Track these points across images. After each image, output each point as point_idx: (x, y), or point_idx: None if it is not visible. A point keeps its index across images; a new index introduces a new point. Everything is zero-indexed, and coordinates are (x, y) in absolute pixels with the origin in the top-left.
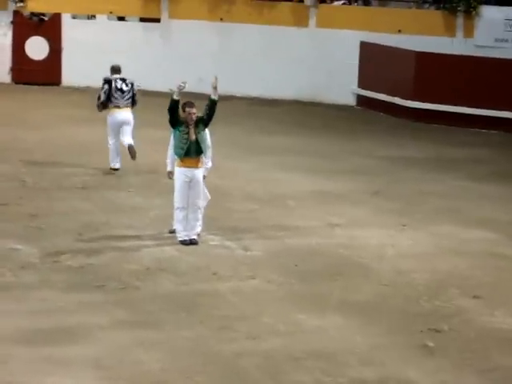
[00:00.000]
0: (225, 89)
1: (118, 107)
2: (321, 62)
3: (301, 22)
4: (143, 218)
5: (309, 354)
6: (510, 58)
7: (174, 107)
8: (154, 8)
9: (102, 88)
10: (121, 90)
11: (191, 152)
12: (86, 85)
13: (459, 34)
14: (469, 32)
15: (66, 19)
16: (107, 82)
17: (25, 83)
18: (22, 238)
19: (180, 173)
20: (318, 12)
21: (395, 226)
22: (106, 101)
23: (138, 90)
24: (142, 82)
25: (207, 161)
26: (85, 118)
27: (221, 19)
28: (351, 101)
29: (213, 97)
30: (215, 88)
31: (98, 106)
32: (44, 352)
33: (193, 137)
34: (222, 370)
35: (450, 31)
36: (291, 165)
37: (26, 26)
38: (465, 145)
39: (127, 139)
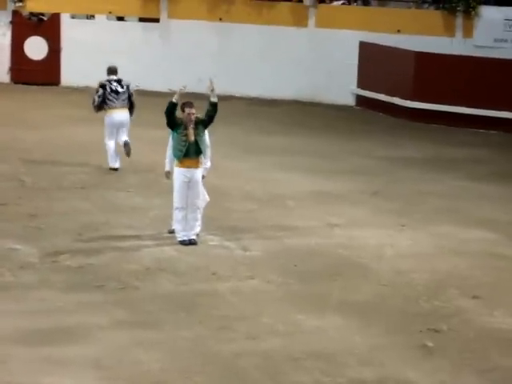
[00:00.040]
0: (224, 89)
1: (115, 108)
2: (320, 62)
3: (300, 22)
4: (142, 218)
5: (308, 355)
6: (510, 58)
7: (171, 110)
8: (153, 8)
9: (97, 92)
10: (116, 91)
11: (190, 153)
12: (85, 85)
13: (458, 34)
14: (468, 32)
15: (65, 19)
16: (102, 86)
17: (24, 83)
18: (21, 238)
19: (179, 173)
20: (317, 12)
21: (394, 226)
22: (101, 104)
23: (137, 89)
24: (141, 82)
25: (206, 161)
26: (84, 117)
27: (220, 19)
28: (350, 101)
29: (212, 99)
30: (212, 90)
31: (94, 108)
32: (43, 352)
33: (192, 138)
34: (222, 370)
35: (450, 31)
36: (290, 165)
37: (25, 25)
38: (464, 145)
39: (124, 137)
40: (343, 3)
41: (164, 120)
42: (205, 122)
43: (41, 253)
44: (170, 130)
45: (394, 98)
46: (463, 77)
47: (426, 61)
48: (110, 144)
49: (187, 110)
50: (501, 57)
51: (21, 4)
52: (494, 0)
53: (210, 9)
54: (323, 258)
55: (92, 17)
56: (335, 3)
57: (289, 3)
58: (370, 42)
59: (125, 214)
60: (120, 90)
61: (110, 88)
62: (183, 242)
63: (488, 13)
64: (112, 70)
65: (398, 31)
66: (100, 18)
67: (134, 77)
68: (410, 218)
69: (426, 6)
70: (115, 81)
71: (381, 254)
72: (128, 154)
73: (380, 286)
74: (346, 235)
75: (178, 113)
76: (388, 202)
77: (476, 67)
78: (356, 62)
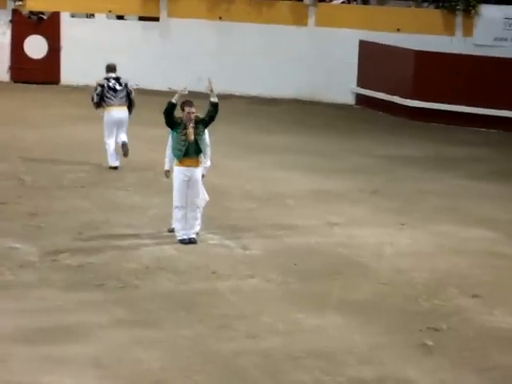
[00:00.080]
0: (224, 88)
1: (112, 106)
2: (320, 60)
3: (300, 20)
4: (142, 217)
5: (308, 353)
6: (509, 56)
7: (170, 110)
8: (153, 7)
9: (95, 89)
10: (114, 89)
11: (190, 152)
12: (85, 83)
13: (458, 32)
14: (468, 31)
15: (64, 18)
16: (100, 84)
17: (24, 82)
18: (21, 237)
19: (179, 172)
20: (317, 11)
21: (394, 225)
22: (99, 101)
23: (137, 88)
24: (141, 81)
25: (206, 160)
26: (83, 116)
27: (220, 18)
28: (350, 100)
29: (212, 99)
30: (212, 91)
31: (94, 104)
32: (43, 351)
33: (191, 137)
34: (221, 368)
35: (449, 30)
36: (290, 164)
37: (24, 24)
38: (464, 144)
39: (122, 136)
40: (343, 2)
41: (163, 119)
42: (205, 122)
43: (41, 252)
44: (169, 129)
45: (394, 97)
46: (463, 75)
47: (425, 59)
48: (110, 142)
49: (187, 109)
50: (501, 55)
51: (21, 3)
52: None
53: (209, 7)
54: (323, 256)
55: (92, 15)
56: (335, 2)
57: (289, 2)
58: (370, 40)
59: (124, 213)
60: (118, 87)
61: (108, 86)
62: (183, 241)
63: (488, 11)
64: (111, 68)
65: (398, 30)
66: (100, 17)
67: (134, 76)
68: (410, 217)
69: (426, 4)
70: (114, 78)
71: (380, 252)
72: (125, 154)
73: (380, 284)
74: (346, 234)
75: (178, 112)
76: (388, 200)
77: (476, 66)
78: (356, 60)
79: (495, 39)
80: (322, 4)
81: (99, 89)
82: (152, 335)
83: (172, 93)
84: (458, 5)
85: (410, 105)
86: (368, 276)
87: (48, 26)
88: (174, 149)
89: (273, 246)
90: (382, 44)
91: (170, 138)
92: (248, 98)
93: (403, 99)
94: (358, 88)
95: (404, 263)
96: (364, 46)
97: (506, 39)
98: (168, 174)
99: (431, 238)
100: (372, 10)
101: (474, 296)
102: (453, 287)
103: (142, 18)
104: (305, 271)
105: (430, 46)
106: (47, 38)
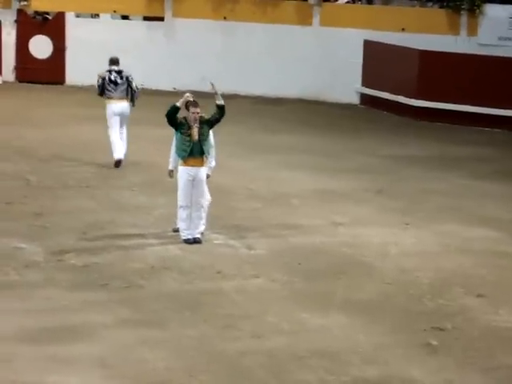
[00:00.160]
0: (229, 87)
1: (112, 98)
2: (324, 60)
3: (305, 20)
4: (147, 217)
5: (312, 353)
6: None
7: (173, 113)
8: (158, 7)
9: (97, 81)
10: (115, 82)
11: (194, 152)
12: (90, 84)
13: (463, 32)
14: (472, 30)
15: (69, 18)
16: (101, 77)
17: (29, 82)
18: (27, 237)
19: (183, 171)
20: (321, 10)
21: (398, 225)
22: (101, 93)
23: (142, 88)
24: (146, 81)
25: (211, 160)
26: (89, 116)
27: (224, 18)
28: (355, 99)
29: (218, 102)
30: (216, 93)
31: (98, 94)
32: (48, 351)
33: (196, 137)
34: (226, 368)
35: (454, 30)
36: (295, 163)
37: (29, 24)
38: (468, 143)
39: (119, 152)
40: (348, 2)
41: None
42: (210, 122)
43: (46, 251)
44: (173, 130)
45: (399, 97)
46: (468, 75)
47: (430, 59)
48: (113, 135)
49: (192, 110)
50: (505, 55)
51: (26, 3)
52: None
53: (214, 7)
54: (327, 256)
55: (97, 16)
56: (340, 2)
57: (293, 2)
58: (375, 40)
59: (129, 213)
60: (119, 81)
61: (109, 78)
62: (188, 241)
63: (492, 11)
64: (113, 61)
65: (403, 30)
66: (105, 17)
67: (139, 76)
68: (414, 217)
69: (431, 4)
70: (115, 71)
71: (385, 252)
72: (116, 166)
73: (384, 284)
74: (351, 234)
75: (182, 111)
76: (392, 200)
77: (480, 65)
78: (360, 60)
79: (500, 39)
80: (327, 4)
81: (100, 81)
82: (157, 335)
83: (177, 93)
84: (462, 4)
85: (415, 104)
86: (372, 276)
87: (53, 26)
88: (178, 149)
89: (277, 245)
90: (386, 44)
91: (174, 138)
92: (253, 97)
93: (408, 99)
94: (363, 88)
95: (408, 263)
96: (369, 45)
97: (510, 39)
98: (172, 173)
99: (436, 237)
100: (377, 10)
101: (479, 296)
102: (457, 287)
103: (146, 18)
104: (309, 271)
105: (434, 45)
106: (52, 38)
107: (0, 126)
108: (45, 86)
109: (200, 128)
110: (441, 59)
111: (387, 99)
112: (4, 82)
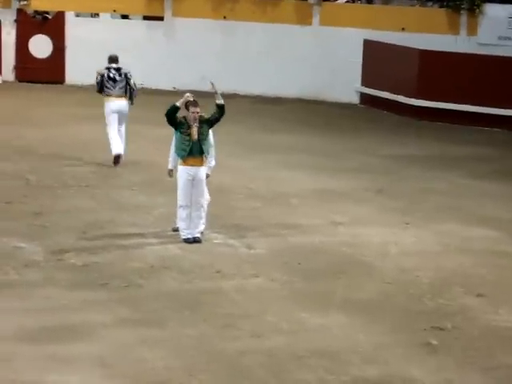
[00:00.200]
0: (228, 87)
1: (110, 96)
2: (324, 60)
3: (304, 20)
4: (147, 216)
5: (312, 353)
6: None
7: (172, 113)
8: (158, 6)
9: (96, 79)
10: (113, 79)
11: (194, 152)
12: (90, 83)
13: (463, 32)
14: (472, 30)
15: (69, 17)
16: (100, 74)
17: (28, 81)
18: (26, 236)
19: (183, 171)
20: (321, 10)
21: (398, 224)
22: (100, 90)
23: (142, 88)
24: (146, 81)
25: (210, 159)
26: (88, 116)
27: (224, 17)
28: (355, 99)
29: (218, 102)
30: (216, 93)
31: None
32: (48, 350)
33: (195, 137)
34: (226, 368)
35: (454, 29)
36: (294, 163)
37: (29, 24)
38: (468, 143)
39: (117, 148)
40: (347, 1)
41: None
42: (209, 122)
43: (45, 251)
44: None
45: (399, 96)
46: (467, 75)
47: (430, 59)
48: (111, 132)
49: (192, 109)
50: (505, 54)
51: (25, 2)
52: None
53: (214, 7)
54: (327, 256)
55: (96, 15)
56: (339, 1)
57: (293, 1)
58: (375, 40)
59: (129, 212)
60: (118, 78)
61: (108, 76)
62: (187, 240)
63: (492, 10)
64: (113, 59)
65: (403, 29)
66: (104, 17)
67: (139, 75)
68: (414, 216)
69: (431, 3)
70: (114, 69)
71: (385, 251)
72: (115, 163)
73: (384, 283)
74: (350, 233)
75: (182, 111)
76: (392, 200)
77: (480, 65)
78: (360, 60)
79: (499, 38)
80: (327, 3)
81: (99, 78)
82: (156, 334)
83: (177, 92)
84: (462, 4)
85: (415, 104)
86: (372, 275)
87: (53, 25)
88: (178, 148)
89: (277, 245)
90: (386, 43)
91: (174, 138)
92: (252, 97)
93: (408, 98)
94: (363, 87)
95: (408, 262)
96: (368, 45)
97: (510, 38)
98: (171, 173)
99: (435, 237)
100: (376, 10)
101: (479, 295)
102: (457, 286)
103: (146, 18)
104: (309, 270)
105: (434, 45)
106: (52, 38)
107: (0, 125)
108: (44, 85)
109: (199, 127)
110: (441, 59)
111: (387, 99)
112: (4, 82)
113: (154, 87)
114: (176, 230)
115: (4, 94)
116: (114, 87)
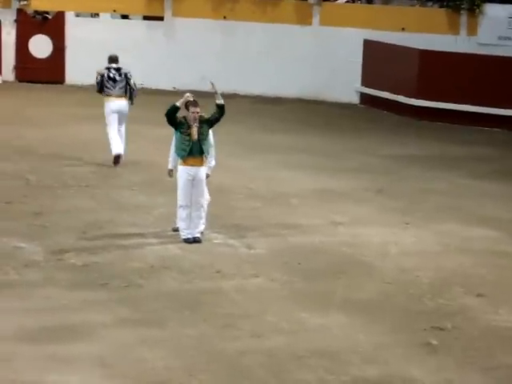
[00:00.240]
0: (228, 87)
1: (111, 96)
2: (324, 60)
3: (304, 20)
4: (147, 216)
5: (312, 353)
6: None
7: (172, 113)
8: (158, 6)
9: (96, 79)
10: (113, 79)
11: (194, 152)
12: (90, 83)
13: (463, 32)
14: (472, 30)
15: (69, 17)
16: (100, 74)
17: (28, 81)
18: (26, 236)
19: (183, 171)
20: (321, 10)
21: (398, 224)
22: (100, 90)
23: (142, 88)
24: (146, 81)
25: (210, 159)
26: (88, 116)
27: (224, 17)
28: (355, 99)
29: (218, 102)
30: (216, 93)
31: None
32: (48, 350)
33: (195, 137)
34: (226, 368)
35: (454, 29)
36: (294, 163)
37: (29, 24)
38: (468, 143)
39: (117, 148)
40: (347, 1)
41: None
42: (209, 122)
43: (45, 251)
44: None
45: (399, 96)
46: (467, 75)
47: (430, 59)
48: (111, 131)
49: (192, 109)
50: (505, 55)
51: (25, 2)
52: None
53: (214, 7)
54: (327, 256)
55: (96, 15)
56: (339, 1)
57: (293, 1)
58: (375, 40)
59: (129, 212)
60: (118, 78)
61: (108, 76)
62: (187, 240)
63: (492, 10)
64: (113, 59)
65: (403, 29)
66: (104, 17)
67: (139, 75)
68: (414, 216)
69: (431, 3)
70: (114, 69)
71: (385, 251)
72: (115, 163)
73: (384, 283)
74: (350, 233)
75: (182, 111)
76: (392, 200)
77: (480, 65)
78: (360, 59)
79: (499, 38)
80: (327, 3)
81: (99, 78)
82: (156, 334)
83: (177, 92)
84: (462, 4)
85: (415, 104)
86: (372, 275)
87: (53, 25)
88: (177, 148)
89: (277, 245)
90: (386, 43)
91: (174, 138)
92: (252, 97)
93: (408, 98)
94: (363, 87)
95: (408, 262)
96: (368, 45)
97: (510, 38)
98: (171, 173)
99: (435, 237)
100: (376, 10)
101: (479, 295)
102: (457, 286)
103: (146, 18)
104: (309, 270)
105: (434, 45)
106: (52, 38)
107: (0, 125)
108: (44, 85)
109: (199, 127)
110: (441, 59)
111: (387, 99)
112: (4, 82)
113: (154, 87)
114: (176, 229)
115: (4, 94)
116: (114, 87)
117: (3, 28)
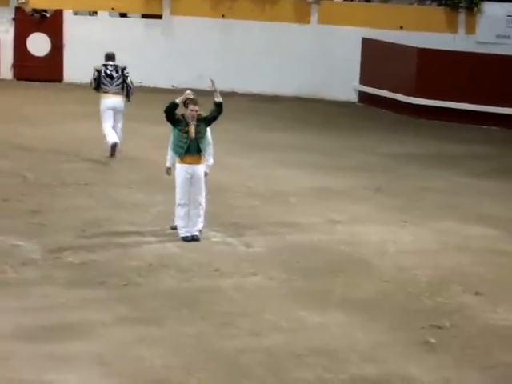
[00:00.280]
0: (226, 85)
1: (107, 93)
2: (322, 58)
3: (302, 18)
4: (145, 215)
5: (310, 351)
6: None
7: (171, 110)
8: (156, 4)
9: (93, 75)
10: (110, 76)
11: (191, 150)
12: (88, 81)
13: (461, 30)
14: (471, 28)
15: (67, 16)
16: (97, 70)
17: (26, 80)
18: (24, 235)
19: (181, 169)
20: (319, 8)
21: (397, 223)
22: (97, 86)
23: (140, 86)
24: (144, 79)
25: (209, 158)
26: (86, 114)
27: (223, 16)
28: (353, 97)
29: (216, 100)
30: (215, 91)
31: (93, 89)
32: (46, 348)
33: (193, 135)
34: (224, 366)
35: (452, 27)
36: (292, 161)
37: (27, 22)
38: (466, 141)
39: (113, 137)
40: None
41: (164, 116)
42: (207, 120)
43: (43, 249)
44: (171, 127)
45: (397, 95)
46: (466, 73)
47: (428, 57)
48: (106, 125)
49: (191, 107)
50: (503, 53)
51: (23, 0)
52: None
53: (212, 5)
54: (325, 254)
55: (95, 13)
56: None
57: None
58: (373, 38)
59: (127, 211)
60: (115, 74)
61: (105, 72)
62: (185, 239)
63: (491, 9)
64: (109, 56)
65: (401, 27)
66: (103, 15)
67: (137, 73)
68: (413, 215)
69: (429, 2)
70: (111, 66)
71: (383, 250)
72: (112, 154)
73: (382, 282)
74: (349, 231)
75: (180, 109)
76: (390, 198)
77: (478, 63)
78: (358, 58)
79: (498, 37)
80: (325, 1)
81: (96, 74)
82: (155, 332)
83: (175, 90)
84: (460, 2)
85: (413, 102)
86: (371, 273)
87: (51, 23)
88: (175, 146)
89: (275, 243)
90: (384, 41)
91: (171, 135)
92: (250, 95)
93: (406, 97)
94: (361, 85)
95: (407, 261)
96: (367, 43)
97: (508, 37)
98: (169, 171)
99: (434, 235)
100: (375, 8)
101: (477, 293)
102: (456, 285)
103: (144, 16)
104: (307, 269)
105: (432, 43)
106: (50, 36)
107: None
108: (43, 83)
109: (197, 126)
110: (439, 57)
111: (385, 97)
112: (2, 80)
113: (152, 85)
114: (174, 228)
115: (2, 91)
116: (111, 84)
117: (1, 26)
